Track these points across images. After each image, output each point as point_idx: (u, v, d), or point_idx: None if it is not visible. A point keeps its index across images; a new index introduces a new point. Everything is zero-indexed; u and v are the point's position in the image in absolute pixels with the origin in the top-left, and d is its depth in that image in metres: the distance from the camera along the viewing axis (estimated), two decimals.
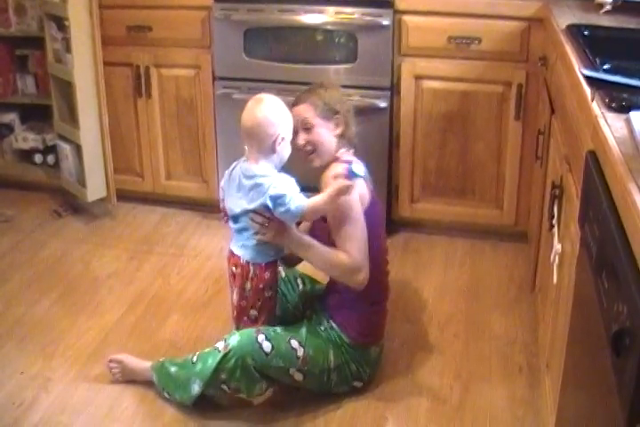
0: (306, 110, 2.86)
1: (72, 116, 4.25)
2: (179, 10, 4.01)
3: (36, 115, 4.69)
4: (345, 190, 2.67)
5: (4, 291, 3.65)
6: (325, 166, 2.88)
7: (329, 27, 3.81)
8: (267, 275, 2.84)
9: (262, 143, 2.74)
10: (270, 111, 2.74)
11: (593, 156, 1.93)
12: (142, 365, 2.99)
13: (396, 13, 3.71)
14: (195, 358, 2.82)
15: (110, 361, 3.01)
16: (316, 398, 2.91)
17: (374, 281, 2.85)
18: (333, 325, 2.90)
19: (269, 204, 2.68)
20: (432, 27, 3.70)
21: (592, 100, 2.08)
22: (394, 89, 3.84)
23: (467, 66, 3.73)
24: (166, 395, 2.90)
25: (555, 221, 2.58)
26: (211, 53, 4.02)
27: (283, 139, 2.74)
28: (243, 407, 2.86)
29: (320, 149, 2.87)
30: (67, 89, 4.21)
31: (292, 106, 2.87)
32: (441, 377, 3.04)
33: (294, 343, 2.80)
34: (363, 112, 3.79)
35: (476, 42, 3.66)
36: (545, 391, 2.69)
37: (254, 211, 2.73)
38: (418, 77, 3.80)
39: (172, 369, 2.88)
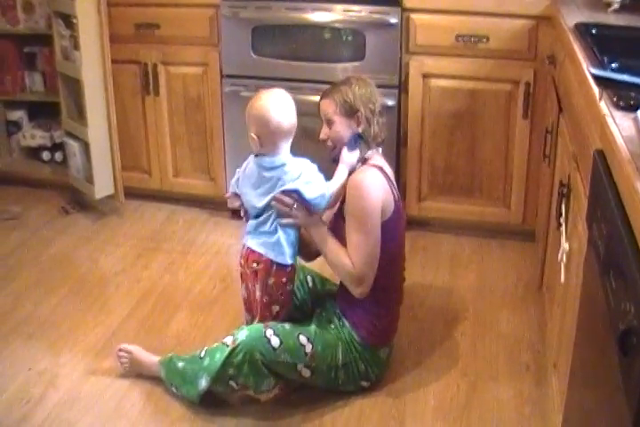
0: (328, 105, 2.87)
1: (80, 113, 4.26)
2: (187, 7, 4.02)
3: (44, 112, 4.70)
4: (352, 159, 2.81)
5: (12, 288, 3.66)
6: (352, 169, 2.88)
7: (337, 25, 3.81)
8: (289, 269, 2.85)
9: (274, 135, 2.74)
10: (281, 104, 2.77)
11: (601, 155, 1.92)
12: (151, 359, 2.99)
13: (404, 11, 3.71)
14: (203, 353, 2.82)
15: (120, 350, 3.01)
16: (323, 395, 2.91)
17: (390, 286, 2.88)
18: (345, 323, 2.89)
19: (301, 190, 2.73)
20: (440, 25, 3.70)
21: (600, 98, 2.07)
22: (402, 87, 3.84)
23: (474, 64, 3.73)
24: (174, 390, 2.91)
25: (562, 220, 2.58)
26: (218, 51, 4.03)
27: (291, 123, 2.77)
28: (250, 404, 2.87)
29: (340, 145, 2.88)
30: (75, 86, 4.22)
31: (319, 99, 2.91)
32: (448, 375, 3.05)
33: (303, 339, 2.80)
34: None
35: (484, 40, 3.66)
36: (552, 390, 2.69)
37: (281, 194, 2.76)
38: (426, 76, 3.80)
39: (180, 364, 2.88)
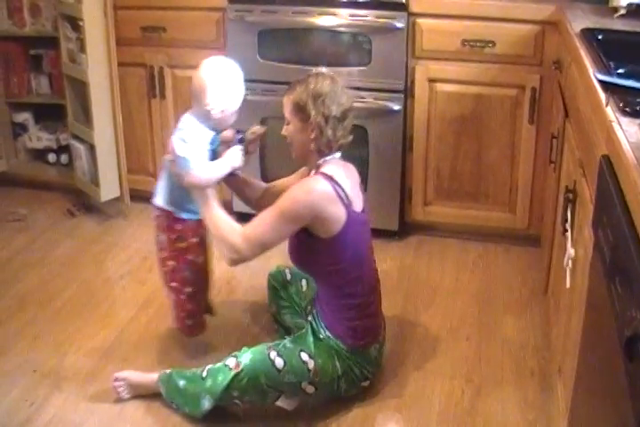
0: (285, 104, 2.79)
1: (86, 116, 4.26)
2: (193, 11, 4.03)
3: (50, 114, 4.71)
4: (236, 159, 2.83)
5: (18, 289, 3.67)
6: (302, 173, 2.91)
7: (343, 29, 3.82)
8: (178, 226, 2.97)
9: (196, 102, 2.82)
10: (204, 77, 2.81)
11: (607, 160, 1.92)
12: (148, 378, 2.95)
13: (411, 16, 3.72)
14: (204, 374, 2.79)
15: (115, 380, 2.94)
16: (327, 403, 2.90)
17: (355, 292, 2.84)
18: (329, 334, 2.86)
19: (172, 140, 2.81)
20: (446, 30, 3.71)
21: (606, 104, 2.08)
22: (408, 92, 3.84)
23: (480, 69, 3.73)
24: (175, 407, 2.88)
25: (568, 226, 2.58)
26: (224, 55, 4.02)
27: (210, 110, 2.80)
28: (253, 413, 2.86)
29: (293, 145, 2.83)
30: (81, 89, 4.23)
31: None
32: (452, 380, 3.04)
33: (304, 356, 2.78)
34: (376, 114, 3.83)
35: (490, 45, 3.66)
36: (557, 396, 2.69)
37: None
38: (432, 80, 3.80)
39: (181, 382, 2.85)
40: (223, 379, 2.72)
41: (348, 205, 2.72)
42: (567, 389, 2.42)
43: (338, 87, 2.76)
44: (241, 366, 2.71)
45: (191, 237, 3.00)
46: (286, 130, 2.82)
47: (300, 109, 2.73)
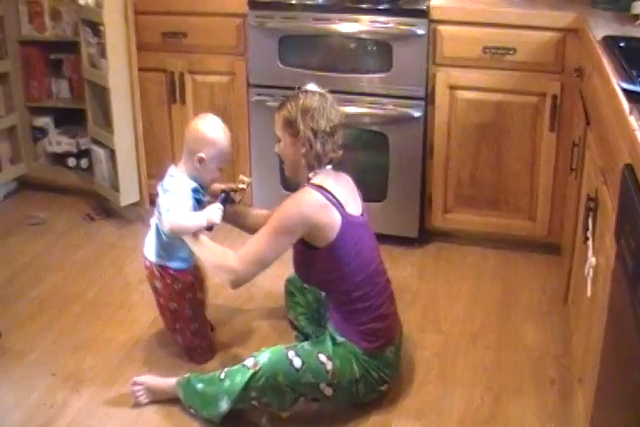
0: (276, 121, 2.87)
1: (106, 120, 4.28)
2: (214, 17, 4.04)
3: (70, 119, 4.73)
4: (214, 216, 2.88)
5: (37, 293, 3.68)
6: (296, 186, 2.93)
7: (364, 35, 3.82)
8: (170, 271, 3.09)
9: (188, 154, 2.98)
10: (205, 129, 2.97)
11: (630, 169, 1.91)
12: (166, 382, 2.96)
13: (431, 23, 3.71)
14: (223, 375, 2.80)
15: (134, 384, 2.96)
16: (346, 409, 2.91)
17: (363, 296, 2.83)
18: (343, 338, 2.86)
19: (160, 191, 2.99)
20: (467, 37, 3.70)
21: (630, 113, 2.07)
22: (428, 99, 3.84)
23: (501, 76, 3.72)
24: (193, 411, 2.88)
25: (589, 234, 2.57)
26: (245, 61, 4.04)
27: (202, 159, 2.92)
28: (271, 420, 2.85)
29: (285, 161, 2.90)
30: (101, 94, 4.25)
31: None
32: (472, 388, 3.04)
33: (322, 358, 2.79)
34: (397, 121, 3.83)
35: (511, 52, 3.65)
36: (577, 405, 2.68)
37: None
38: (452, 87, 3.80)
39: (199, 386, 2.85)
40: (241, 379, 2.72)
41: (341, 209, 2.76)
42: (587, 398, 2.40)
43: (327, 103, 2.83)
44: (259, 365, 2.72)
45: (185, 276, 3.09)
46: (278, 147, 2.90)
47: (289, 125, 2.80)
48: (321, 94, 2.85)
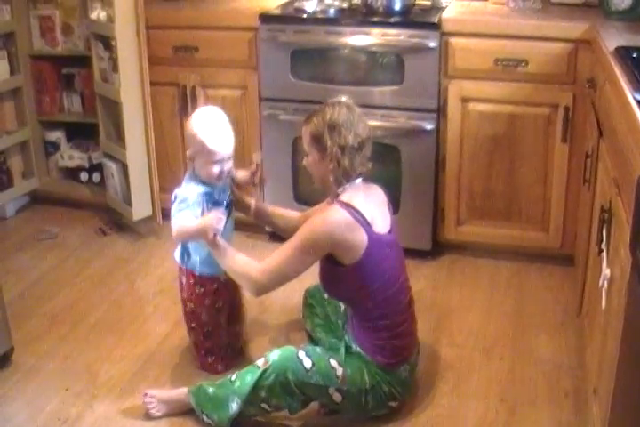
0: (304, 135, 2.83)
1: (118, 134, 4.29)
2: (225, 31, 4.05)
3: (82, 133, 4.76)
4: (213, 221, 2.81)
5: (49, 308, 3.68)
6: (324, 205, 2.94)
7: (375, 48, 3.82)
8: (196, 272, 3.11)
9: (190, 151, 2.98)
10: (190, 125, 2.95)
11: None
12: (179, 391, 2.96)
13: (443, 35, 3.71)
14: (234, 377, 2.81)
15: (145, 395, 2.96)
16: (357, 422, 2.90)
17: (386, 314, 2.83)
18: (359, 349, 2.86)
19: (173, 198, 2.99)
20: (479, 49, 3.70)
21: None
22: (440, 111, 3.83)
23: (513, 88, 3.72)
24: (205, 418, 2.87)
25: (603, 246, 2.55)
26: (257, 74, 4.05)
27: (190, 157, 2.93)
28: None
29: (313, 176, 2.89)
30: (113, 108, 4.26)
31: None
32: (486, 401, 3.02)
33: (333, 362, 2.79)
34: (409, 134, 3.83)
35: (523, 64, 3.65)
36: (592, 418, 2.66)
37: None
38: (464, 100, 3.79)
39: (210, 390, 2.86)
40: (251, 378, 2.73)
41: (368, 228, 2.73)
42: (603, 410, 2.39)
43: (354, 116, 2.77)
44: (269, 363, 2.73)
45: (209, 283, 3.10)
46: (306, 161, 2.87)
47: (316, 141, 2.76)
48: (348, 107, 2.79)
